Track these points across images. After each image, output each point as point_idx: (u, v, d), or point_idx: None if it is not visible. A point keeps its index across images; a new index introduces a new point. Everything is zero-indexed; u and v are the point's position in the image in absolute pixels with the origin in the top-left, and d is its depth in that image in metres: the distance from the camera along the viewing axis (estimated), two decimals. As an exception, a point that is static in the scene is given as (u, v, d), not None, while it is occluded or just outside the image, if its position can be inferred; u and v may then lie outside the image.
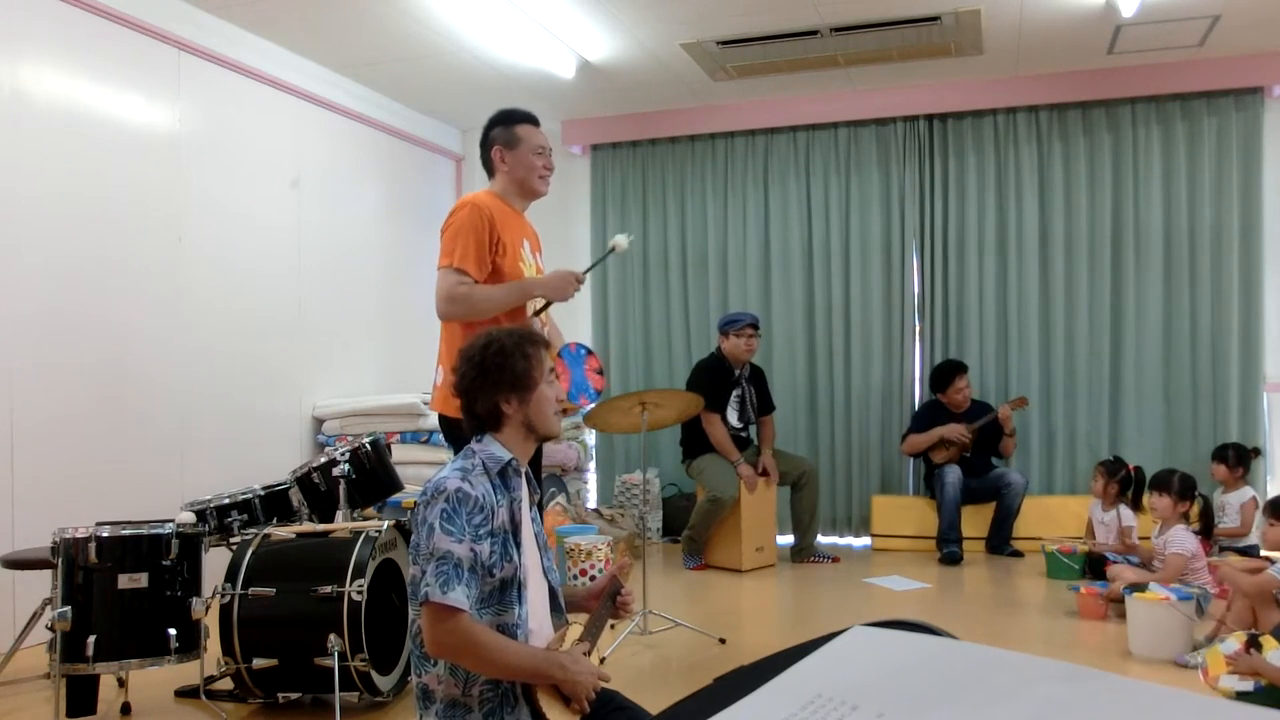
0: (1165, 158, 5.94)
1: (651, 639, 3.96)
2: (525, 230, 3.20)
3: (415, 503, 2.05)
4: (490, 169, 3.18)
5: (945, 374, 5.85)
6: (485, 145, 3.16)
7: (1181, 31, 5.27)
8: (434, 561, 1.91)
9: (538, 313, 3.08)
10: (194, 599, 3.04)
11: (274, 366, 5.28)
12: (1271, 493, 5.68)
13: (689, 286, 6.73)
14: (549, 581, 2.21)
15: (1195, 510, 4.39)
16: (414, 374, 6.42)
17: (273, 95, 5.27)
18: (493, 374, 2.10)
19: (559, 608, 2.22)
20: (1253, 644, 3.05)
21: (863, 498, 6.33)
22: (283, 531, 3.26)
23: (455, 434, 2.85)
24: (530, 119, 3.18)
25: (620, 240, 3.28)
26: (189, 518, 3.15)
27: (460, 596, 1.89)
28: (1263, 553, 4.64)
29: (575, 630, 2.13)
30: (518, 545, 2.04)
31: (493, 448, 2.09)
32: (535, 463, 2.69)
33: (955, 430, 5.74)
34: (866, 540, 6.23)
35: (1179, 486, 4.27)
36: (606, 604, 2.21)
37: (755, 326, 5.56)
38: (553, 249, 6.62)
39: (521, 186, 3.14)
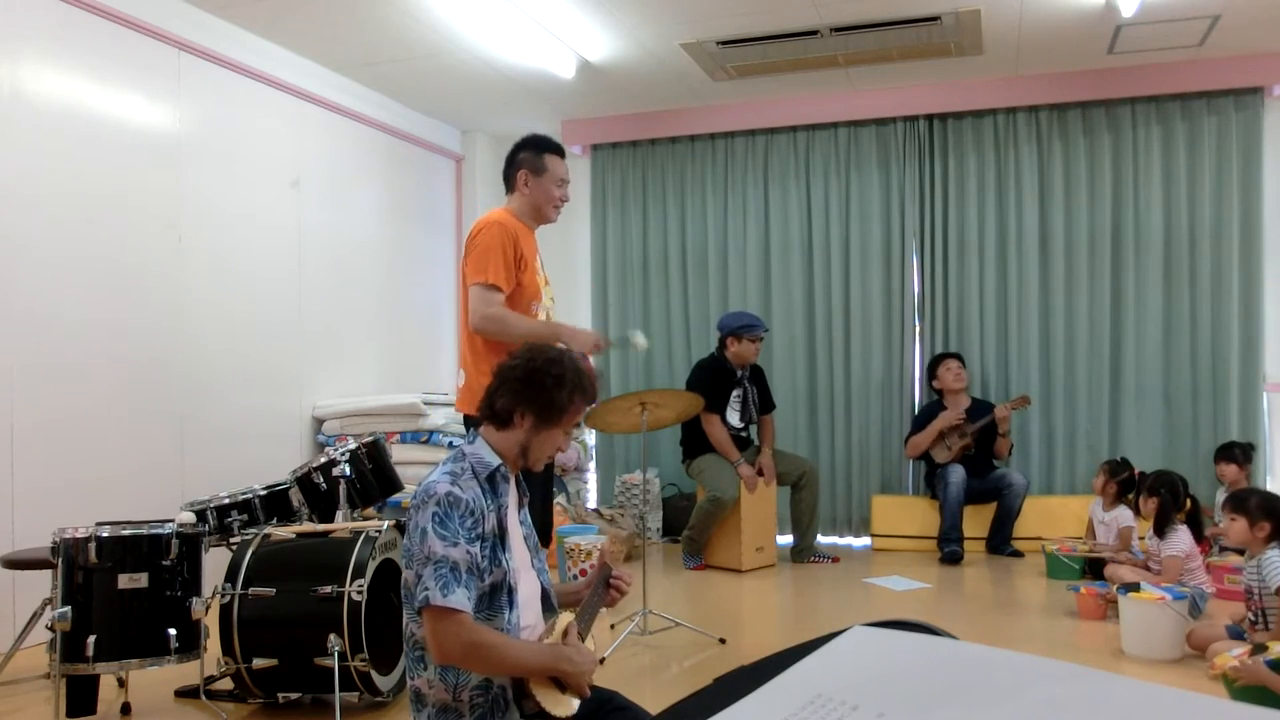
0: (1165, 158, 5.94)
1: (651, 639, 3.96)
2: (535, 245, 3.44)
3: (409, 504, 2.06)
4: (510, 187, 3.45)
5: (935, 360, 5.99)
6: (512, 165, 3.43)
7: (1181, 31, 5.27)
8: (431, 565, 1.90)
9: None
10: (194, 599, 3.04)
11: (274, 366, 5.27)
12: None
13: (689, 286, 6.72)
14: (540, 582, 2.21)
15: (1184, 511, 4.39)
16: (414, 374, 6.42)
17: (273, 95, 5.27)
18: (534, 386, 2.10)
19: (551, 606, 2.22)
20: (1257, 650, 3.03)
21: (863, 498, 6.33)
22: (283, 531, 3.26)
23: None
24: (559, 150, 3.46)
25: (639, 339, 3.71)
26: (189, 518, 3.15)
27: (461, 598, 1.89)
28: (1224, 543, 4.69)
29: (565, 620, 2.13)
30: (505, 550, 2.05)
31: (483, 452, 2.10)
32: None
33: (949, 418, 5.74)
34: (866, 540, 6.23)
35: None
36: (599, 590, 2.22)
37: (765, 331, 5.60)
38: (552, 248, 6.66)
39: (537, 212, 3.43)
